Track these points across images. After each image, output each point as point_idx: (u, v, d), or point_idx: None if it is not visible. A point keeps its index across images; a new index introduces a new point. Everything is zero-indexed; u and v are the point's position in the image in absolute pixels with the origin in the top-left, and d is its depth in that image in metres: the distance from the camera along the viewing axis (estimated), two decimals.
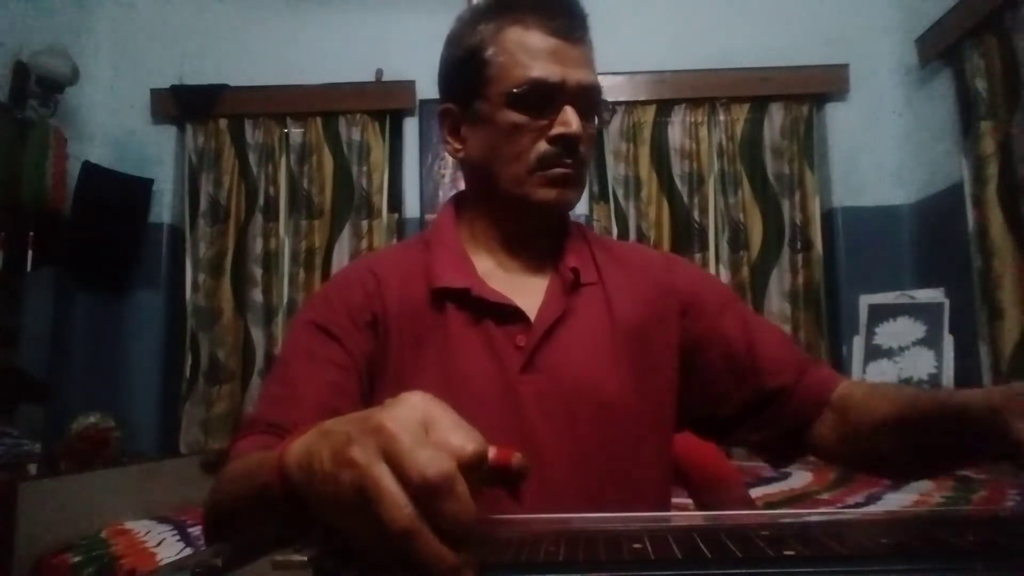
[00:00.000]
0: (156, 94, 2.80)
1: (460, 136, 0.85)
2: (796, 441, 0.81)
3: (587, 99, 0.80)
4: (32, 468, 2.05)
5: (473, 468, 0.37)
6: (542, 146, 0.79)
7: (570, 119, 0.78)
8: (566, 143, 0.78)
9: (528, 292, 0.82)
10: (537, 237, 0.86)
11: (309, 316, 0.83)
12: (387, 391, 0.79)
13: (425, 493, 0.35)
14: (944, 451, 0.68)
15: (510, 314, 0.80)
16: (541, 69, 0.77)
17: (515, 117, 0.79)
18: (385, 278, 0.83)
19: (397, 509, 0.35)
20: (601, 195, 2.79)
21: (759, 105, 2.73)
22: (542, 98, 0.78)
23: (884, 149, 2.67)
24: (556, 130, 0.78)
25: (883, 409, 0.72)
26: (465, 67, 0.82)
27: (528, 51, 0.78)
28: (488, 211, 0.86)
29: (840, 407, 0.78)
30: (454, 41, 0.85)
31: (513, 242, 0.86)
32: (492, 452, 0.40)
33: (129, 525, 1.86)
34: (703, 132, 2.73)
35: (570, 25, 0.80)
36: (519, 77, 0.78)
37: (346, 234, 2.74)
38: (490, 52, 0.80)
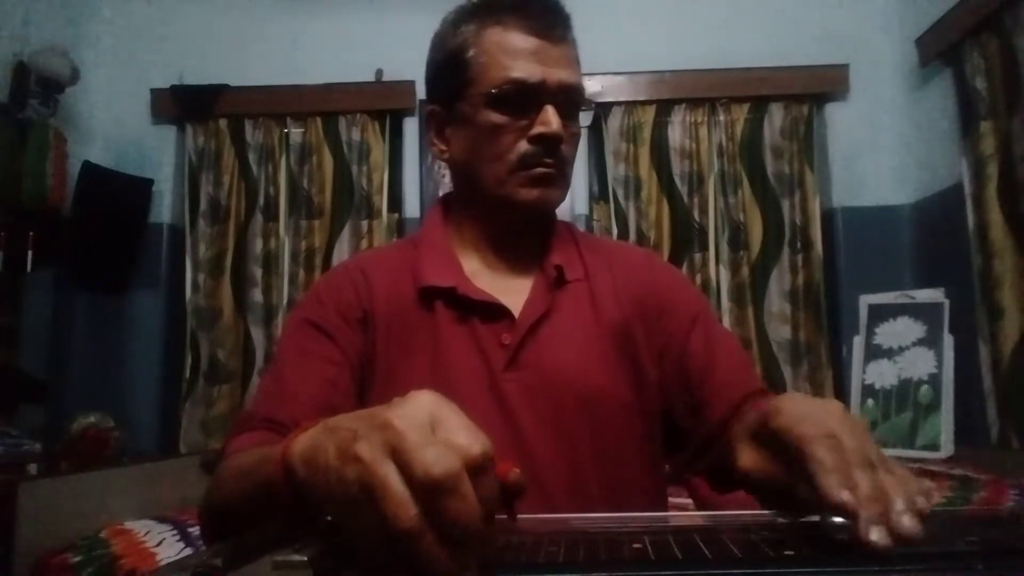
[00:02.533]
0: (156, 94, 2.80)
1: (445, 137, 0.86)
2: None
3: (568, 98, 0.80)
4: (32, 468, 2.05)
5: (479, 470, 0.36)
6: (523, 146, 0.79)
7: (550, 119, 0.78)
8: (547, 143, 0.79)
9: (514, 290, 0.83)
10: (523, 236, 0.87)
11: (302, 314, 0.84)
12: (378, 388, 0.80)
13: (430, 491, 0.35)
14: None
15: (495, 312, 0.81)
16: (521, 69, 0.78)
17: (496, 117, 0.79)
18: (374, 276, 0.84)
19: (401, 508, 0.35)
20: (601, 195, 2.79)
21: (759, 105, 2.73)
22: (522, 98, 0.78)
23: (884, 149, 2.67)
24: (536, 130, 0.78)
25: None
26: (448, 69, 0.83)
27: (508, 51, 0.79)
28: (474, 211, 0.87)
29: None
30: (437, 43, 0.86)
31: (499, 241, 0.87)
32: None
33: (129, 525, 1.85)
34: (703, 132, 2.73)
35: (551, 24, 0.80)
36: (499, 78, 0.78)
37: (346, 234, 2.74)
38: (471, 53, 0.80)
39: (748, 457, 0.52)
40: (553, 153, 0.80)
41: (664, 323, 0.85)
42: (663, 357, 0.84)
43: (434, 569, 0.35)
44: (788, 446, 0.48)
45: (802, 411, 0.49)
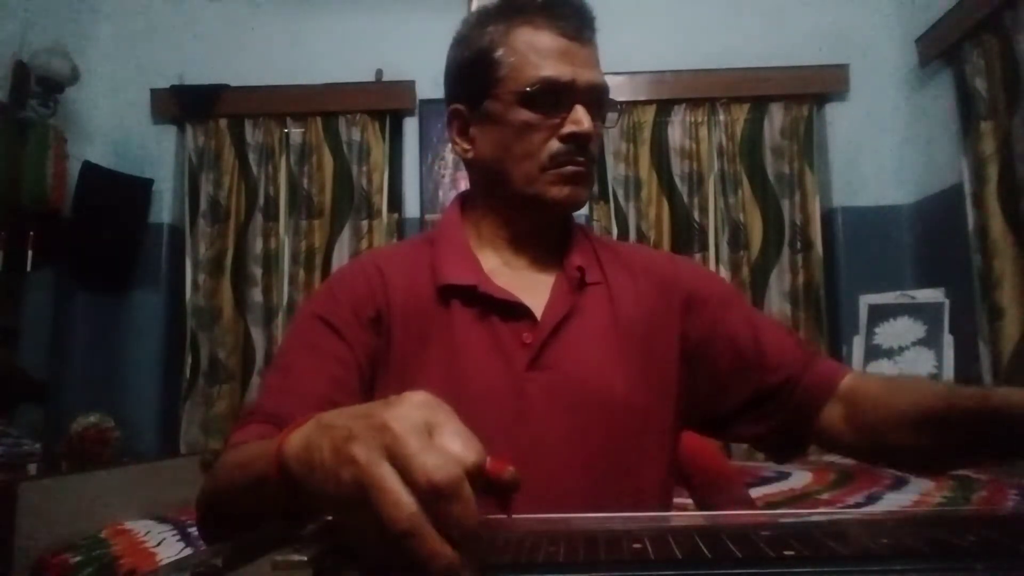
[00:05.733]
0: (156, 94, 2.80)
1: (469, 136, 0.86)
2: (798, 434, 0.81)
3: (596, 98, 0.81)
4: (32, 468, 2.05)
5: (474, 476, 0.37)
6: (554, 144, 0.80)
7: (581, 117, 0.79)
8: (578, 141, 0.79)
9: (534, 290, 0.82)
10: (542, 235, 0.87)
11: (313, 309, 0.83)
12: (391, 386, 0.79)
13: (432, 496, 0.35)
14: (982, 449, 0.68)
15: (516, 311, 0.80)
16: (552, 68, 0.79)
17: (527, 116, 0.80)
18: (390, 274, 0.84)
19: (400, 509, 0.35)
20: (601, 195, 2.79)
21: (759, 105, 2.73)
22: (553, 97, 0.79)
23: (884, 149, 2.67)
24: (568, 128, 0.79)
25: (905, 403, 0.72)
26: (474, 68, 0.83)
27: (539, 51, 0.79)
28: (496, 210, 0.87)
29: (850, 398, 0.78)
30: (462, 42, 0.85)
31: (519, 240, 0.87)
32: (488, 462, 0.39)
33: (129, 525, 1.85)
34: (703, 132, 2.73)
35: (579, 26, 0.81)
36: (531, 76, 0.79)
37: (346, 234, 2.74)
38: (500, 52, 0.81)
39: None
40: (583, 152, 0.80)
41: (695, 315, 0.86)
42: (707, 344, 0.84)
43: (433, 566, 0.35)
44: None
45: None
